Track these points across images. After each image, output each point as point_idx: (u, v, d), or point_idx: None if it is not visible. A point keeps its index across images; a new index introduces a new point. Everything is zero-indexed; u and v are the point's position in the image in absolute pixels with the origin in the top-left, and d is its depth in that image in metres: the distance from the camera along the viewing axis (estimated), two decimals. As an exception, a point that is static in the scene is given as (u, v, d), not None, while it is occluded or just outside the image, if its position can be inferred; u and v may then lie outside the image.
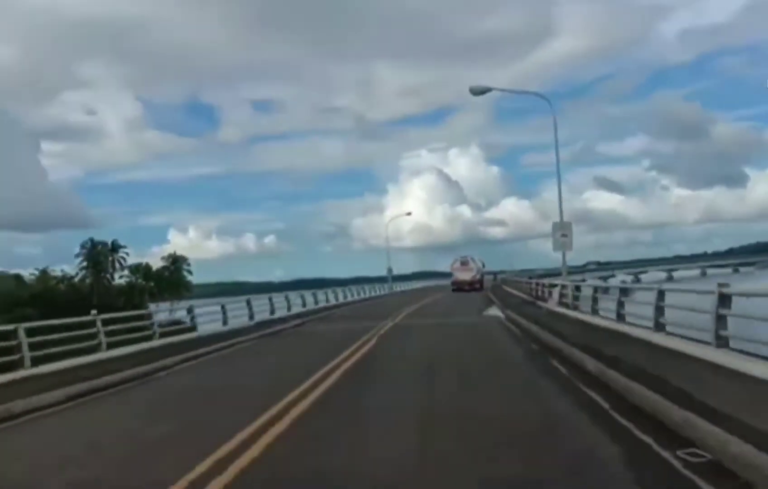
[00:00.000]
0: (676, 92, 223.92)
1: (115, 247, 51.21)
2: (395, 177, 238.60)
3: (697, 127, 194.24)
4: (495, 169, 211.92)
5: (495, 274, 67.56)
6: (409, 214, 58.36)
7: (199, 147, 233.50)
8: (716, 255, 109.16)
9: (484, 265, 58.29)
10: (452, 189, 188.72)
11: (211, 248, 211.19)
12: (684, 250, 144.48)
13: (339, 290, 40.84)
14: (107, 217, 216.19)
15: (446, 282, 58.05)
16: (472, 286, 48.94)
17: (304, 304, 30.53)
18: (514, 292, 35.70)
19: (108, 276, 50.47)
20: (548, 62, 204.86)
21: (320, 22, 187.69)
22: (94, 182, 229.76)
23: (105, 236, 57.77)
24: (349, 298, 40.78)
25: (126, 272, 51.50)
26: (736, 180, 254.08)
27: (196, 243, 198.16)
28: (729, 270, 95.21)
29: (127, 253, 52.06)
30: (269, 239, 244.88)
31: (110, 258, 50.71)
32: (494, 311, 25.99)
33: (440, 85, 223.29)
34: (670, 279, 76.36)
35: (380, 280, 61.30)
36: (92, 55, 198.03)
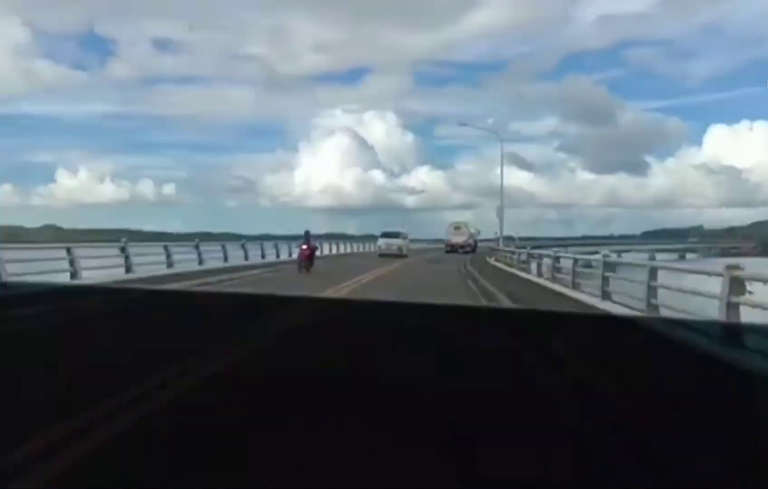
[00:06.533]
0: (588, 77, 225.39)
1: None
2: (308, 135, 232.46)
3: (604, 113, 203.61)
4: (411, 136, 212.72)
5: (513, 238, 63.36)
6: None
7: (93, 82, 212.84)
8: (624, 237, 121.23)
9: (479, 233, 66.10)
10: (366, 152, 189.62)
11: (104, 192, 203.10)
12: (586, 230, 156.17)
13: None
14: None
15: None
16: (464, 248, 56.78)
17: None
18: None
19: None
20: (471, 33, 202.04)
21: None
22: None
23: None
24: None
25: None
26: (637, 168, 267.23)
27: (88, 186, 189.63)
28: (675, 255, 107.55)
29: None
30: (169, 188, 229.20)
31: None
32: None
33: (358, 44, 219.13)
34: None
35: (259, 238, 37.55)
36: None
